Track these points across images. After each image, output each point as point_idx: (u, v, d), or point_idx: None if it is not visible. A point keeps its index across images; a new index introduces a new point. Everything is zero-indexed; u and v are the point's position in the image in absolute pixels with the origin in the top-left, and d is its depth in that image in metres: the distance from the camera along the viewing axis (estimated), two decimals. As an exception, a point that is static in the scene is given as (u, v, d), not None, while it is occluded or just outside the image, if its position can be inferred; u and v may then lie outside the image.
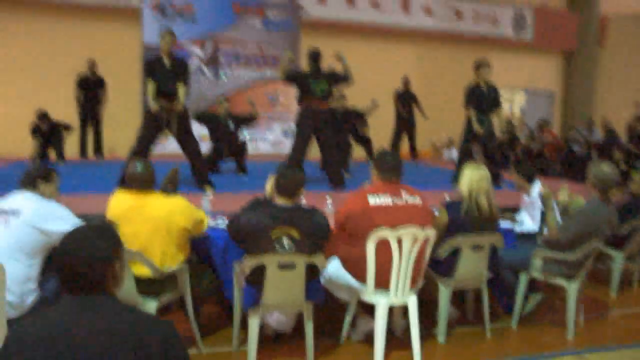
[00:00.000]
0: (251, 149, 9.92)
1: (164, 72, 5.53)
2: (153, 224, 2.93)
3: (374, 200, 3.18)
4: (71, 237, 1.52)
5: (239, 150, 7.45)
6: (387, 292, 3.18)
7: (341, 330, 3.51)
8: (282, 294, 2.94)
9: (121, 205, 3.02)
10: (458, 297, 4.02)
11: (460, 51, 12.65)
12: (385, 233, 3.06)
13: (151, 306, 2.93)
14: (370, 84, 10.86)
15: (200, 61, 9.68)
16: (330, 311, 3.78)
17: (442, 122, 12.29)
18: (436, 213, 3.56)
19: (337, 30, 11.33)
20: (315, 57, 6.13)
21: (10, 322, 2.51)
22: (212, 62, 9.73)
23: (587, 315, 4.05)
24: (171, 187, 3.61)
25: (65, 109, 8.70)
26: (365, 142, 9.47)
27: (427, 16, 12.26)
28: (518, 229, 4.18)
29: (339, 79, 6.18)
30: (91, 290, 1.49)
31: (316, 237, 2.91)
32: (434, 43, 12.53)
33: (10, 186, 5.48)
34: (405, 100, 9.98)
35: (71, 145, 8.60)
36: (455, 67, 12.58)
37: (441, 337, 3.57)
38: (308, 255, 2.88)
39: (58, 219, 2.72)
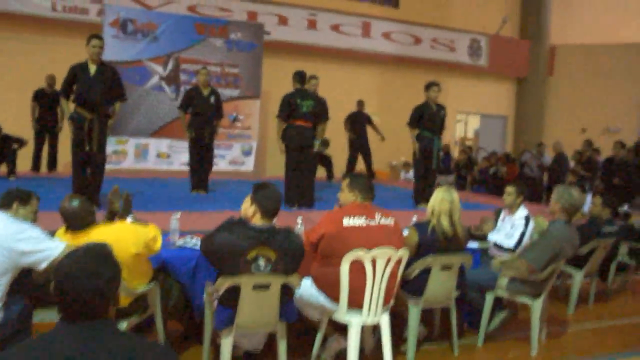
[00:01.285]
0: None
1: (88, 79, 5.32)
2: None
3: (348, 222, 3.21)
4: (73, 263, 1.48)
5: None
6: (360, 311, 3.19)
7: (311, 349, 3.49)
8: (256, 314, 2.91)
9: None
10: (425, 315, 4.07)
11: (418, 75, 12.94)
12: (360, 254, 3.09)
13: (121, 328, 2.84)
14: (331, 104, 10.97)
15: (160, 79, 9.56)
16: (300, 330, 3.76)
17: (399, 143, 12.52)
18: (405, 233, 3.62)
19: (298, 52, 11.44)
20: (301, 77, 6.34)
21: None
22: (173, 80, 9.63)
23: (548, 331, 4.16)
24: (124, 212, 3.33)
25: (19, 123, 8.41)
26: (326, 163, 9.56)
27: (387, 41, 12.54)
28: (490, 238, 4.29)
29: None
30: (93, 316, 1.45)
31: (292, 257, 2.91)
32: (392, 67, 12.81)
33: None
34: (358, 122, 10.13)
35: (24, 159, 8.30)
36: (413, 91, 12.85)
37: (410, 354, 3.60)
38: (283, 276, 2.87)
39: (29, 238, 2.62)
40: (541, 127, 14.17)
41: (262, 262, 2.82)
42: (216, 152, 9.14)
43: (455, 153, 14.05)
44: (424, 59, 12.97)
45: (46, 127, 8.62)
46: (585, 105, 13.85)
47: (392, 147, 12.51)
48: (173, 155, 9.69)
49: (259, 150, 10.64)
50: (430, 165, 6.75)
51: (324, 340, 3.52)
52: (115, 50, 9.19)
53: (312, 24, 11.65)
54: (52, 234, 2.90)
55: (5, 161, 7.72)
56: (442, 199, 3.62)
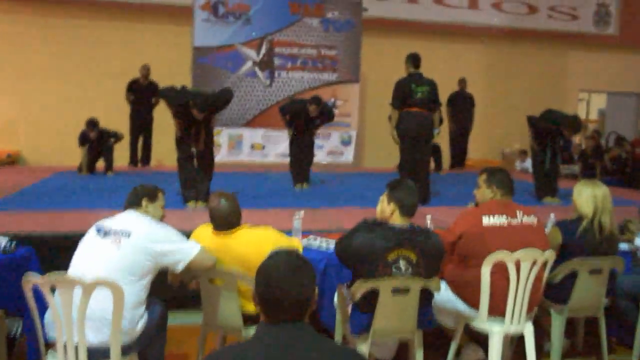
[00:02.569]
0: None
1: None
2: (243, 262, 3.02)
3: (488, 221, 3.26)
4: (278, 266, 1.67)
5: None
6: (502, 319, 3.24)
7: (445, 359, 3.58)
8: (394, 320, 3.03)
9: (205, 241, 3.12)
10: (567, 325, 4.03)
11: (533, 51, 12.58)
12: (503, 256, 3.13)
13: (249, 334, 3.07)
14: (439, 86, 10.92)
15: (253, 64, 9.92)
16: (432, 338, 3.85)
17: (509, 127, 12.23)
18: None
19: (398, 30, 11.43)
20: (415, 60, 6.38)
21: (124, 349, 2.68)
22: (267, 64, 9.97)
23: None
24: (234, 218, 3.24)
25: (115, 117, 9.04)
26: (435, 152, 9.53)
27: (497, 11, 12.23)
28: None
29: None
30: (294, 319, 1.63)
31: (433, 259, 3.00)
32: (503, 42, 12.46)
33: (58, 196, 5.68)
34: (459, 104, 10.02)
35: (121, 154, 8.93)
36: (528, 68, 12.52)
37: (554, 370, 3.59)
38: (424, 279, 2.97)
39: (165, 240, 2.89)
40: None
41: (402, 264, 2.93)
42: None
43: (576, 138, 13.49)
44: (541, 31, 12.53)
45: (141, 122, 9.21)
46: None
47: (502, 132, 12.26)
48: (268, 146, 10.05)
49: (358, 140, 10.77)
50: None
51: (459, 350, 3.59)
52: (206, 34, 9.66)
53: (413, -2, 11.60)
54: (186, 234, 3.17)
55: (103, 157, 8.35)
56: (604, 196, 3.56)
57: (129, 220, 2.92)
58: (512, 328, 3.26)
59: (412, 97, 6.19)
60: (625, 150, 9.97)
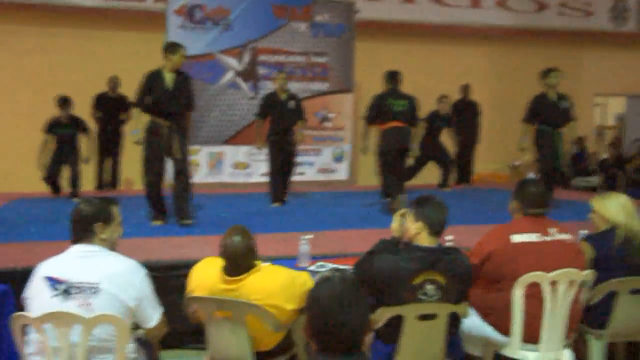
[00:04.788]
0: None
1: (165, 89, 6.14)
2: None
3: (518, 238, 3.37)
4: (336, 295, 1.79)
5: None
6: (536, 346, 3.33)
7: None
8: (420, 350, 3.11)
9: (210, 284, 3.13)
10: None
11: (542, 51, 12.82)
12: (537, 276, 3.23)
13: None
14: (435, 91, 11.14)
15: (235, 74, 10.05)
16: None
17: (517, 138, 12.41)
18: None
19: (395, 33, 11.64)
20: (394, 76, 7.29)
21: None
22: (250, 74, 10.09)
23: None
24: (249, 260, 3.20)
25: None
26: (444, 166, 9.72)
27: (502, 10, 12.50)
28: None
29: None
30: (351, 348, 1.74)
31: (462, 282, 3.10)
32: (509, 43, 12.71)
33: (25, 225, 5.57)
34: (463, 113, 10.22)
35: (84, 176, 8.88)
36: (534, 72, 12.71)
37: (594, 403, 3.68)
38: (453, 304, 3.06)
39: (144, 293, 2.87)
40: None
41: (430, 289, 3.02)
42: (303, 158, 9.56)
43: (593, 146, 13.73)
44: (551, 30, 12.81)
45: (109, 141, 9.25)
46: None
47: (510, 143, 12.43)
48: (253, 165, 10.14)
49: (353, 155, 10.89)
50: (552, 164, 7.44)
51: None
52: (181, 42, 9.71)
53: (409, -2, 11.83)
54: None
55: (69, 164, 8.28)
56: (625, 204, 3.71)
57: (89, 266, 2.76)
58: (548, 356, 3.35)
59: (392, 111, 7.12)
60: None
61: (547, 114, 7.41)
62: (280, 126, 7.82)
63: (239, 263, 3.10)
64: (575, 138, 12.88)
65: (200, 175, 9.88)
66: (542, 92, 7.46)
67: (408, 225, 3.18)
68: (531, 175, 11.93)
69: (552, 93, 7.44)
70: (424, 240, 3.12)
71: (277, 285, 3.12)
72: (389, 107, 7.20)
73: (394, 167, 7.23)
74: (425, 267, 3.02)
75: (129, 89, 8.89)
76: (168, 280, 4.33)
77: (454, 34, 12.21)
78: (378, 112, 7.28)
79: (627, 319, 3.64)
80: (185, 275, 4.17)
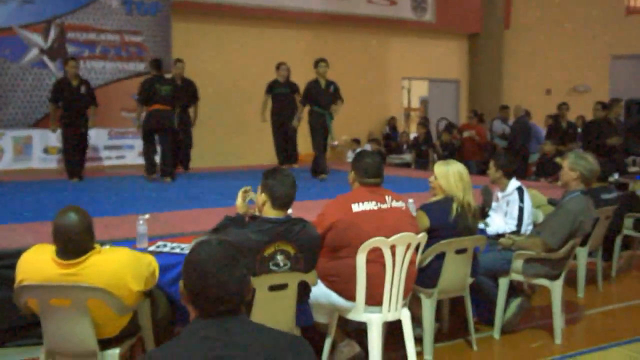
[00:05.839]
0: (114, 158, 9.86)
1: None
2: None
3: (357, 208, 3.51)
4: (213, 258, 1.73)
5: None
6: (380, 307, 3.51)
7: (320, 357, 3.76)
8: (270, 319, 3.10)
9: (43, 271, 2.91)
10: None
11: (353, 36, 13.42)
12: (378, 241, 3.40)
13: (113, 354, 3.00)
14: (251, 75, 11.25)
15: (40, 51, 9.35)
16: (306, 335, 4.02)
17: (338, 119, 12.88)
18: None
19: (211, 14, 11.51)
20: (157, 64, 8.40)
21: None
22: (57, 52, 9.45)
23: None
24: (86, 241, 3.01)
25: None
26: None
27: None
28: (490, 231, 4.73)
29: None
30: (232, 311, 1.71)
31: (311, 250, 3.17)
32: (323, 28, 13.12)
33: None
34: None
35: None
36: (349, 55, 13.32)
37: (428, 355, 3.96)
38: (303, 273, 3.12)
39: None
40: (499, 90, 15.08)
41: (280, 259, 3.06)
42: (121, 141, 9.23)
43: (402, 127, 14.70)
44: (360, 16, 13.42)
45: None
46: (548, 62, 14.91)
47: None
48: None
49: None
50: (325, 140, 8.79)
51: (333, 346, 3.80)
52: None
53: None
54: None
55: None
56: (462, 172, 4.00)
57: None
58: (390, 315, 3.55)
59: (158, 95, 8.10)
60: (454, 136, 11.13)
61: (319, 98, 8.56)
62: (72, 110, 8.16)
63: (76, 244, 2.89)
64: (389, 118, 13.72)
65: (5, 162, 9.12)
66: (315, 79, 8.68)
67: (256, 197, 3.19)
68: (367, 146, 12.49)
69: (322, 80, 8.65)
70: (269, 212, 3.15)
71: (121, 265, 2.97)
72: (156, 91, 8.18)
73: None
74: (275, 238, 3.05)
75: None
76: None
77: (272, 17, 12.34)
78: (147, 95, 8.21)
79: (452, 277, 3.96)
80: (6, 267, 3.92)
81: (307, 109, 8.73)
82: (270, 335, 1.75)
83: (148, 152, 8.39)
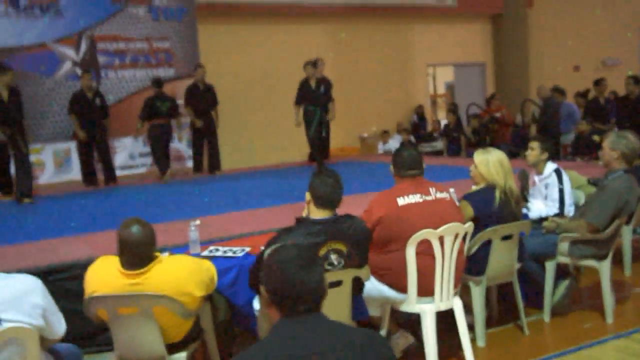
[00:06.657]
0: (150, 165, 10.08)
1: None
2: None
3: (403, 201, 3.58)
4: (294, 260, 1.88)
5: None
6: (432, 298, 3.59)
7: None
8: (329, 314, 3.22)
9: (110, 283, 3.02)
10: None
11: (375, 27, 13.42)
12: (427, 233, 3.47)
13: (180, 358, 3.12)
14: (277, 72, 11.36)
15: (73, 64, 9.54)
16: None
17: (363, 112, 13.00)
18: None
19: (235, 14, 11.60)
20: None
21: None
22: (90, 64, 9.63)
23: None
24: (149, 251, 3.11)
25: None
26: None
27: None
28: (532, 215, 4.77)
29: None
30: (313, 310, 1.86)
31: (362, 245, 3.25)
32: (344, 21, 13.12)
33: None
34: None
35: None
36: (373, 47, 13.34)
37: (480, 342, 4.04)
38: (357, 269, 3.21)
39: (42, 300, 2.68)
40: (526, 70, 14.96)
41: (334, 258, 3.15)
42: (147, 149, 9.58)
43: (429, 114, 14.66)
44: (381, 6, 13.38)
45: None
46: (574, 37, 14.74)
47: (357, 117, 12.97)
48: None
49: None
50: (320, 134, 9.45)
51: (387, 338, 3.89)
52: (7, 32, 9.03)
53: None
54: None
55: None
56: (507, 160, 4.04)
57: None
58: (442, 305, 3.62)
59: (158, 112, 9.02)
60: (483, 113, 11.08)
61: (310, 96, 9.31)
62: (87, 122, 8.79)
63: (141, 254, 3.00)
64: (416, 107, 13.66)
65: (47, 175, 9.34)
66: (306, 78, 9.40)
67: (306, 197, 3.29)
68: (397, 137, 12.52)
69: (312, 80, 9.40)
70: (315, 212, 3.23)
71: (184, 273, 3.09)
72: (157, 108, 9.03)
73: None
74: (326, 238, 3.13)
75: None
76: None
77: (294, 13, 12.40)
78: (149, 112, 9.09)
79: (499, 264, 4.01)
80: (66, 279, 4.06)
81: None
82: (350, 332, 1.90)
83: (157, 155, 9.31)
